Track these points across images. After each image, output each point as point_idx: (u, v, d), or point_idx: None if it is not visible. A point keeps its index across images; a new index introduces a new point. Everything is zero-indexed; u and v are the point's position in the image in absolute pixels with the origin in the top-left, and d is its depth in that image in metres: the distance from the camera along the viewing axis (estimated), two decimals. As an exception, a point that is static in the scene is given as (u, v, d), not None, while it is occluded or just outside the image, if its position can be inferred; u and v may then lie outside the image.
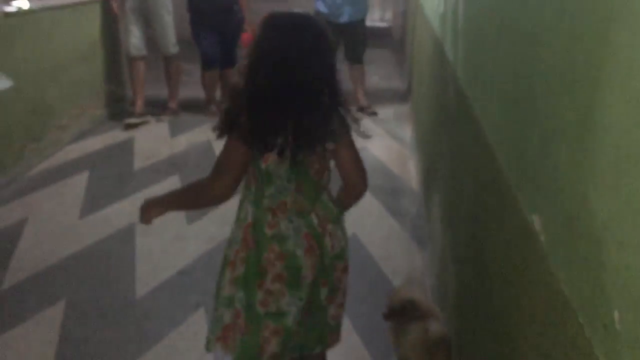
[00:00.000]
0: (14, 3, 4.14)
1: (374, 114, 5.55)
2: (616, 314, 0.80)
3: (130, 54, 5.30)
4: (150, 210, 1.86)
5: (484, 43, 1.84)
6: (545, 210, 1.11)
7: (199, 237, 3.37)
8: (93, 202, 3.81)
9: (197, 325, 2.62)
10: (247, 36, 5.15)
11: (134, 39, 5.23)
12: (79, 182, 4.14)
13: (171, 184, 4.08)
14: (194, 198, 1.85)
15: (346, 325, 2.62)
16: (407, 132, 5.08)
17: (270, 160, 1.64)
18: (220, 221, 3.55)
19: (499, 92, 1.58)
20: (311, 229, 1.70)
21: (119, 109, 5.57)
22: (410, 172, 4.30)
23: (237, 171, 1.67)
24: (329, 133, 1.65)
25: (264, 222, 1.68)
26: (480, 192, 1.77)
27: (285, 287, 1.68)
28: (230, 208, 3.56)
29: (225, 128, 1.64)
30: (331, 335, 1.90)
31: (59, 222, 3.56)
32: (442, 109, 2.85)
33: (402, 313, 2.15)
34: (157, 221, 3.57)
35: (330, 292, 1.79)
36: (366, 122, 5.38)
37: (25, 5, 4.22)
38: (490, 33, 1.73)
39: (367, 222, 3.56)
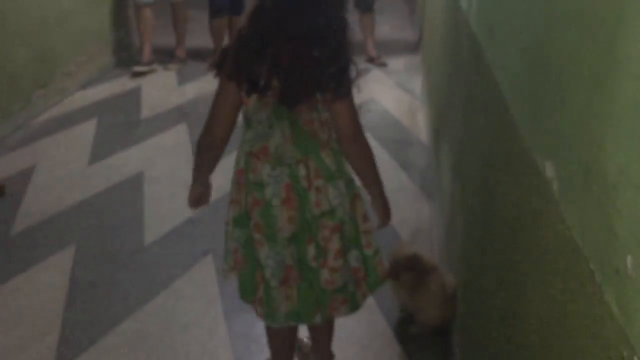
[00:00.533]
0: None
1: (384, 64, 5.47)
2: (629, 259, 0.79)
3: (138, 1, 5.21)
4: (190, 194, 1.88)
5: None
6: (559, 156, 1.09)
7: (206, 185, 3.37)
8: (101, 150, 3.81)
9: (205, 272, 2.65)
10: None
11: None
12: (87, 129, 4.14)
13: (178, 132, 4.07)
14: (204, 150, 1.79)
15: (353, 274, 2.65)
16: (417, 83, 5.01)
17: (250, 104, 1.60)
18: (228, 171, 3.54)
19: (514, 37, 1.54)
20: (295, 180, 1.62)
21: (126, 57, 5.52)
22: (420, 124, 4.26)
23: (226, 110, 1.66)
24: (320, 86, 1.57)
25: (249, 166, 1.66)
26: (491, 142, 1.75)
27: (264, 238, 1.66)
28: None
29: (218, 66, 1.62)
30: (333, 305, 1.75)
31: (67, 169, 3.57)
32: (454, 59, 2.79)
33: (407, 268, 2.17)
34: (165, 169, 3.59)
35: (318, 253, 1.68)
36: (376, 73, 5.31)
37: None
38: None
39: (375, 173, 3.55)
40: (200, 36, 5.77)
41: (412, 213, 3.15)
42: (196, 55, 5.60)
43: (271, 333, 1.95)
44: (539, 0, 1.30)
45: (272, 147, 1.62)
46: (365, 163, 1.75)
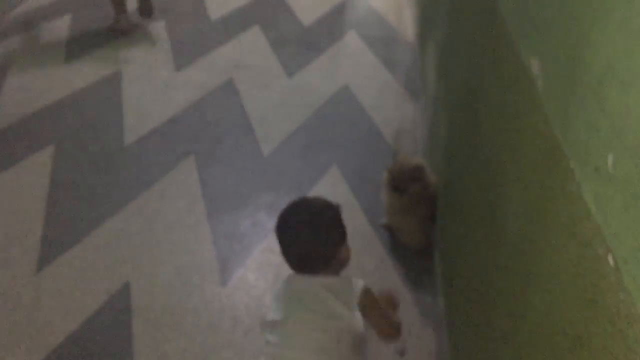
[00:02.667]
0: None
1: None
2: (610, 158, 0.77)
3: None
4: None
5: None
6: (545, 53, 1.05)
7: (187, 84, 3.30)
8: (77, 47, 3.67)
9: (187, 171, 2.64)
10: None
11: None
12: (62, 25, 3.97)
13: (157, 29, 3.92)
14: None
15: (335, 174, 2.66)
16: (405, -21, 4.82)
17: None
18: (210, 68, 3.46)
19: None
20: None
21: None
22: (407, 21, 4.13)
23: None
24: None
25: None
26: (477, 38, 1.69)
27: None
28: (217, 57, 3.45)
29: None
30: None
31: (43, 67, 3.45)
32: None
33: (413, 178, 2.13)
34: (144, 67, 3.49)
35: None
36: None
37: None
38: None
39: (360, 73, 3.48)
40: None
41: (396, 112, 3.11)
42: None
43: None
44: None
45: None
46: None
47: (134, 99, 3.16)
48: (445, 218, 2.02)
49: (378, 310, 1.60)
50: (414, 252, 2.25)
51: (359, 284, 1.57)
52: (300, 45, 3.79)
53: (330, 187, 2.58)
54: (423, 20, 3.38)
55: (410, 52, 3.70)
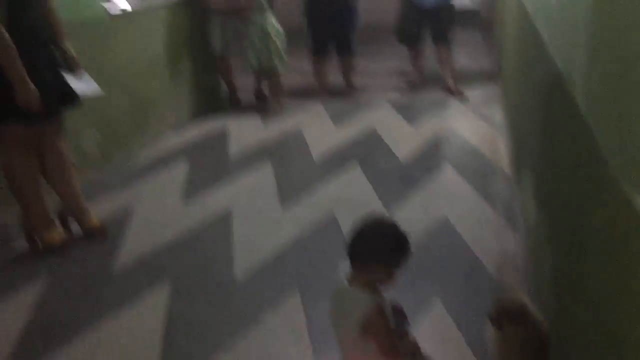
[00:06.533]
0: (116, 4, 4.38)
1: (464, 98, 5.41)
2: None
3: (216, 53, 5.51)
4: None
5: (580, 19, 1.79)
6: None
7: (293, 222, 3.48)
8: (193, 190, 4.01)
9: (293, 307, 2.72)
10: None
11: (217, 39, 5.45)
12: (180, 170, 4.36)
13: (265, 172, 4.22)
14: None
15: (439, 308, 2.64)
16: (497, 113, 4.97)
17: None
18: (314, 207, 3.64)
19: (598, 64, 1.54)
20: None
21: (213, 101, 5.77)
22: (502, 153, 4.21)
23: None
24: None
25: None
26: (575, 169, 1.73)
27: None
28: (320, 193, 3.62)
29: None
30: None
31: (162, 209, 3.77)
32: (534, 89, 2.78)
33: (514, 320, 2.05)
34: (252, 207, 3.71)
35: None
36: (454, 104, 5.31)
37: (128, 7, 4.47)
38: (586, 6, 1.68)
39: (459, 206, 3.54)
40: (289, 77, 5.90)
41: (498, 244, 3.11)
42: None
43: None
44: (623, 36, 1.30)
45: None
46: None
47: (243, 237, 3.36)
48: (556, 354, 1.96)
49: (376, 337, 1.80)
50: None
51: (366, 303, 1.84)
52: (398, 179, 3.93)
53: (435, 321, 2.56)
54: (519, 152, 3.44)
55: (507, 183, 3.73)
